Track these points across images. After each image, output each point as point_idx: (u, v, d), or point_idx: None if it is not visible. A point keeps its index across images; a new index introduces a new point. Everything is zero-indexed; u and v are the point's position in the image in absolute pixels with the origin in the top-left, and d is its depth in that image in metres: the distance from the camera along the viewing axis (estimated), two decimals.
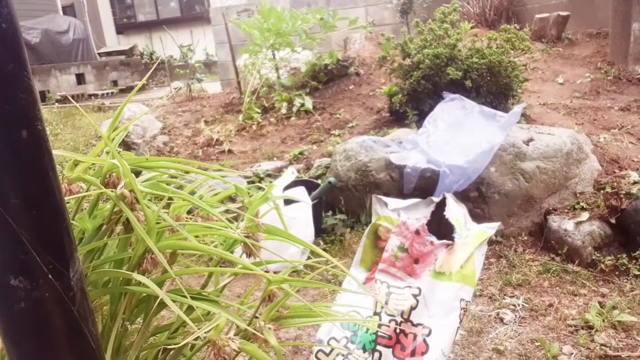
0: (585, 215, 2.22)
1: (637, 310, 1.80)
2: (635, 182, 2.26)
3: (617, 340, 1.66)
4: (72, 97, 8.71)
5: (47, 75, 10.33)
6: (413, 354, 1.20)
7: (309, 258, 2.31)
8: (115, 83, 12.02)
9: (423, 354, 1.20)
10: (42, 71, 10.19)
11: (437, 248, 1.29)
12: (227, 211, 1.16)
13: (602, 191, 2.33)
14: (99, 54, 13.99)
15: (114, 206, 0.86)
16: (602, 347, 1.63)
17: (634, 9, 3.73)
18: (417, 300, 1.24)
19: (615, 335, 1.69)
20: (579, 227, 2.18)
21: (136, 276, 0.80)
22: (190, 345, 0.93)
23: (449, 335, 1.21)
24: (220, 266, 1.12)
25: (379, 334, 1.23)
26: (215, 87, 7.16)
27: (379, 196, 1.46)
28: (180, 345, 0.87)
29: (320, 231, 2.63)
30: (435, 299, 1.24)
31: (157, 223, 0.87)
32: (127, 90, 11.41)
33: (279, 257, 1.03)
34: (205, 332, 0.73)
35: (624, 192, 2.22)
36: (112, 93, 10.92)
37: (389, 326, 1.23)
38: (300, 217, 2.38)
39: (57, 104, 8.63)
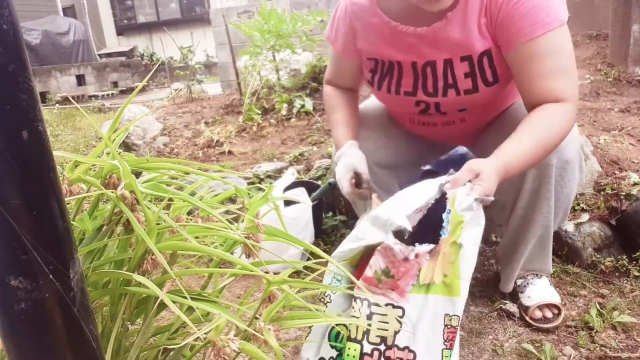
0: (585, 217, 2.22)
1: (637, 311, 1.80)
2: (635, 184, 2.26)
3: (617, 341, 1.66)
4: (73, 98, 8.71)
5: (48, 76, 10.35)
6: None
7: (308, 259, 2.31)
8: (115, 84, 12.06)
9: None
10: (42, 72, 10.21)
11: (421, 257, 1.22)
12: (227, 212, 1.16)
13: (602, 192, 2.33)
14: (99, 55, 14.03)
15: (115, 207, 0.87)
16: (602, 348, 1.63)
17: (634, 11, 3.73)
18: (401, 323, 1.16)
19: (615, 336, 1.69)
20: (579, 229, 2.18)
21: (136, 277, 0.80)
22: (190, 345, 0.93)
23: (434, 356, 1.13)
24: (220, 267, 1.12)
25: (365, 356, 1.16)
26: (216, 88, 7.17)
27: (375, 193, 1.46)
28: (180, 345, 0.87)
29: (321, 232, 2.63)
30: (419, 317, 1.16)
31: (158, 224, 0.87)
32: (128, 91, 11.45)
33: (278, 258, 1.03)
34: (205, 333, 0.73)
35: (624, 193, 2.22)
36: (112, 94, 10.94)
37: (371, 357, 1.16)
38: (300, 218, 2.38)
39: (57, 105, 8.65)
